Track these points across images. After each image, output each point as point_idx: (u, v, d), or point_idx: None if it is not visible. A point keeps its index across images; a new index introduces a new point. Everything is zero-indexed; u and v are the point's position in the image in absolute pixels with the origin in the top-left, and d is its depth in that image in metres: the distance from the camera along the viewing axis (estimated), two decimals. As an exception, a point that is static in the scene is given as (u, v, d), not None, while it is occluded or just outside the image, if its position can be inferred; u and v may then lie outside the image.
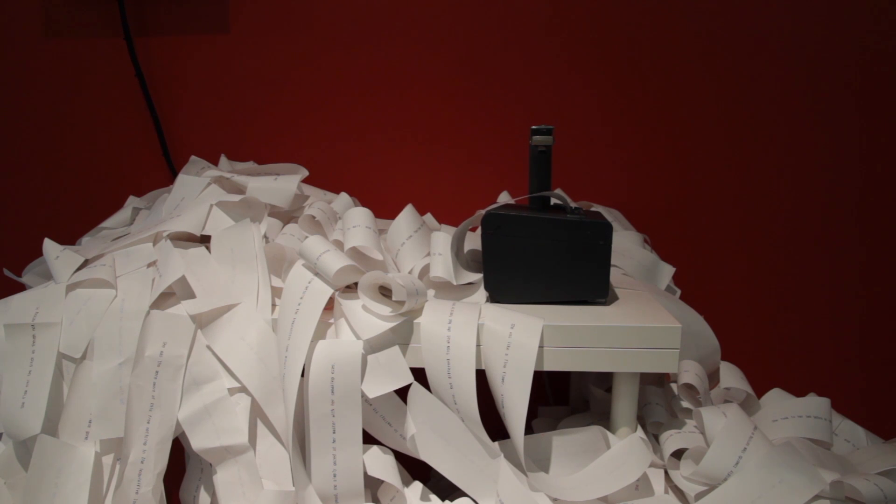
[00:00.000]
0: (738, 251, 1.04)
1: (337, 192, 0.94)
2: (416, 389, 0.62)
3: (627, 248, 0.88)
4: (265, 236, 0.74)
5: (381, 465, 0.62)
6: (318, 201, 0.83)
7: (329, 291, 0.63)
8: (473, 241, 0.76)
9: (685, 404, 0.72)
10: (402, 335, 0.63)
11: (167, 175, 1.07)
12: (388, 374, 0.61)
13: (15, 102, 1.07)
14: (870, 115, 0.98)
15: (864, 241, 1.02)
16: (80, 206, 1.09)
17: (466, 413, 0.60)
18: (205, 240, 0.74)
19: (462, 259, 0.72)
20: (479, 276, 0.70)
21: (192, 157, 0.96)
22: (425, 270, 0.70)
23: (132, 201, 0.94)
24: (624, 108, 1.01)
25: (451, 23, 1.00)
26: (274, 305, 0.67)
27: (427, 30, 1.01)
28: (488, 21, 1.00)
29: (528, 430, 0.67)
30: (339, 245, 0.69)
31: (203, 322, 0.66)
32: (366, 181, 1.06)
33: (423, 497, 0.63)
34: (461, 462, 0.61)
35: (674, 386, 0.75)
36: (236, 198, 0.76)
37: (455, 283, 0.68)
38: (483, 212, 0.68)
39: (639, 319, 0.63)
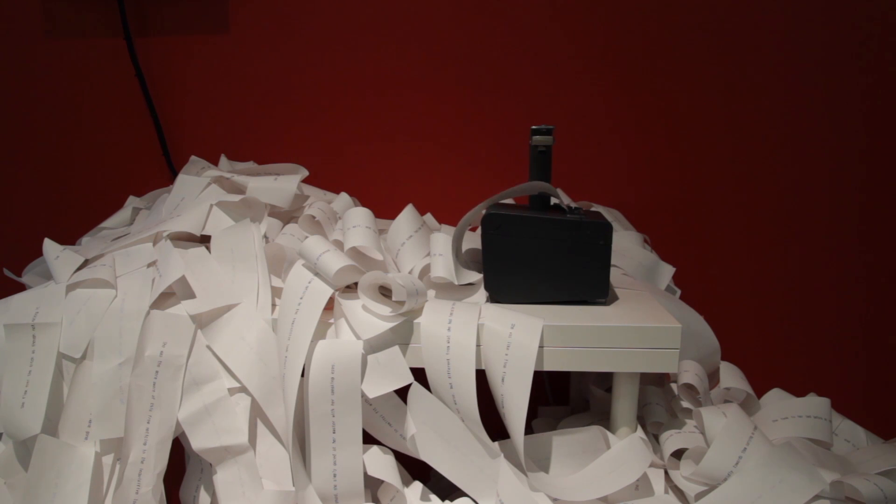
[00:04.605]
0: (738, 251, 1.04)
1: (337, 192, 0.94)
2: (416, 389, 0.62)
3: (627, 248, 0.88)
4: (265, 236, 0.74)
5: (381, 465, 0.62)
6: (318, 201, 0.83)
7: (329, 291, 0.63)
8: (473, 241, 0.76)
9: (685, 404, 0.72)
10: (402, 335, 0.63)
11: (167, 175, 1.07)
12: (388, 374, 0.61)
13: (15, 103, 1.07)
14: (872, 116, 0.98)
15: (864, 240, 1.02)
16: (80, 206, 1.09)
17: (466, 413, 0.60)
18: (205, 240, 0.74)
19: (461, 259, 0.72)
20: (480, 276, 0.70)
21: (192, 157, 0.96)
22: (425, 270, 0.70)
23: (132, 201, 0.94)
24: (624, 108, 1.01)
25: (451, 23, 1.00)
26: (274, 305, 0.67)
27: (427, 29, 1.01)
28: (488, 21, 1.00)
29: (528, 430, 0.67)
30: (339, 245, 0.69)
31: (203, 322, 0.66)
32: (366, 181, 1.06)
33: (423, 497, 0.63)
34: (461, 462, 0.61)
35: (674, 386, 0.75)
36: (236, 198, 0.76)
37: (456, 284, 0.68)
38: (483, 210, 0.68)
39: (639, 319, 0.63)
